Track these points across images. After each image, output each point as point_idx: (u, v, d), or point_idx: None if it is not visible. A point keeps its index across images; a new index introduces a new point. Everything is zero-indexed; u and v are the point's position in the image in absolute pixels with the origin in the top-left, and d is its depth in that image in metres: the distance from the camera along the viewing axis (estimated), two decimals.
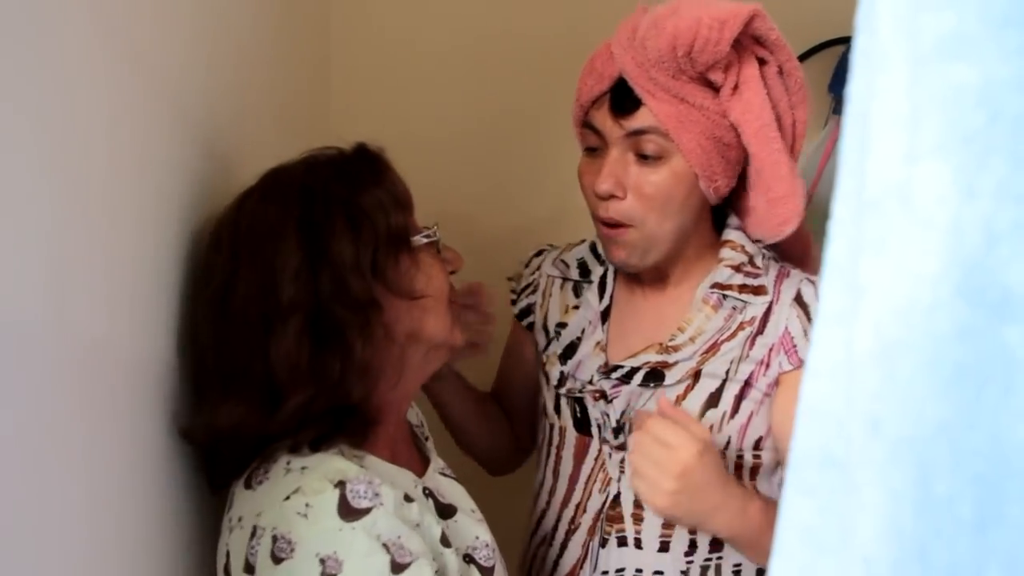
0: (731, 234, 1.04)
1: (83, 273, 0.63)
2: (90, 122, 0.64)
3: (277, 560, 0.71)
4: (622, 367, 1.02)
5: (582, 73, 1.00)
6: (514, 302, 1.18)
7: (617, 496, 1.03)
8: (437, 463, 0.95)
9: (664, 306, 1.06)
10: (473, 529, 0.87)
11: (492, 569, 0.86)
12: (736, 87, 0.94)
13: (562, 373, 1.08)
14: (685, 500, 0.87)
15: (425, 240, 0.86)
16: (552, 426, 1.10)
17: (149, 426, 0.76)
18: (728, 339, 1.00)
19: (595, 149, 0.99)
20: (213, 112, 0.94)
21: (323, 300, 0.77)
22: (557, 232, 1.55)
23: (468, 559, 0.84)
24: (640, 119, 0.94)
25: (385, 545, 0.72)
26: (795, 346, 1.00)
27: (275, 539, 0.72)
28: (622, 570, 1.02)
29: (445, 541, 0.80)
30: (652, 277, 1.06)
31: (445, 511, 0.86)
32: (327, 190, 0.80)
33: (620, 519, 1.03)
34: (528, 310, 1.17)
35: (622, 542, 1.03)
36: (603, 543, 1.03)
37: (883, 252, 0.23)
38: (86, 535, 0.64)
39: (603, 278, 1.09)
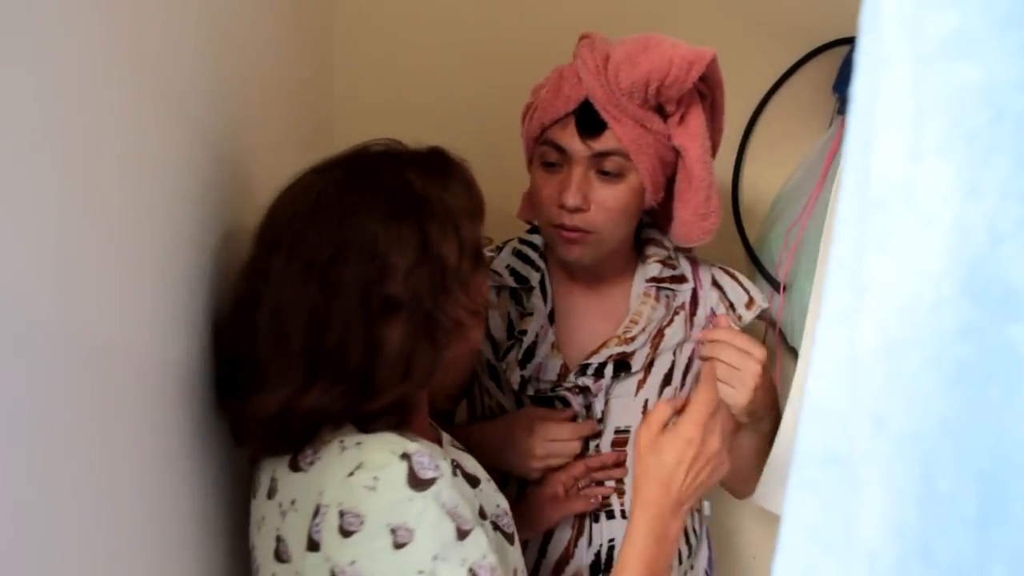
0: (653, 233, 1.20)
1: (92, 272, 0.63)
2: (98, 122, 0.64)
3: (346, 534, 0.73)
4: (591, 364, 1.14)
5: (547, 94, 1.10)
6: None
7: (599, 484, 1.15)
8: (447, 437, 0.98)
9: (602, 303, 1.19)
10: (494, 497, 0.91)
11: (513, 535, 0.90)
12: (683, 117, 1.07)
13: (523, 377, 1.17)
14: (761, 394, 1.02)
15: (491, 255, 0.95)
16: None
17: (168, 426, 0.77)
18: (668, 325, 1.17)
19: (553, 164, 1.10)
20: (219, 112, 0.94)
21: (427, 301, 0.79)
22: None
23: (494, 527, 0.87)
24: (605, 141, 1.06)
25: (449, 514, 0.75)
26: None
27: (342, 514, 0.73)
28: (612, 540, 1.14)
29: (482, 513, 0.84)
30: (588, 277, 1.18)
31: (471, 482, 0.88)
32: (439, 196, 0.82)
33: (606, 495, 1.15)
34: None
35: (610, 515, 1.15)
36: (595, 518, 1.15)
37: (887, 250, 0.23)
38: (104, 535, 0.65)
39: (542, 283, 1.20)
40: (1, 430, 0.51)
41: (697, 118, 1.06)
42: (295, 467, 0.80)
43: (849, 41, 1.50)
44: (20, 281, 0.53)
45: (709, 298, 1.20)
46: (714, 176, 1.10)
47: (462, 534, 0.75)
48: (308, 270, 0.78)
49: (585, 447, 1.16)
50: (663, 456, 0.87)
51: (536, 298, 1.18)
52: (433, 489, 0.74)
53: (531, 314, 1.18)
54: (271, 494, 0.82)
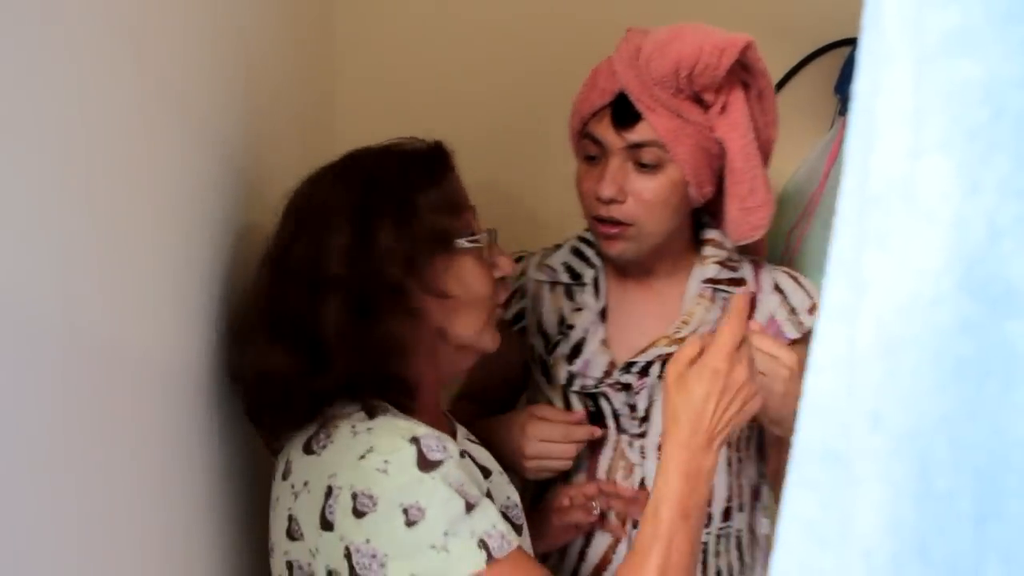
0: (711, 233, 1.16)
1: (97, 270, 0.63)
2: (100, 122, 0.64)
3: (359, 515, 0.77)
4: (637, 362, 1.11)
5: (582, 88, 1.10)
6: (504, 307, 1.22)
7: (642, 480, 1.11)
8: (462, 431, 1.01)
9: (656, 303, 1.16)
10: (505, 490, 0.94)
11: (522, 527, 0.92)
12: (724, 107, 1.04)
13: (570, 372, 1.14)
14: (792, 401, 0.97)
15: (468, 244, 0.91)
16: None
17: (180, 419, 0.78)
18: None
19: (594, 158, 1.09)
20: (220, 114, 0.94)
21: (363, 280, 0.85)
22: (560, 232, 1.55)
23: (504, 517, 0.88)
24: (640, 132, 1.04)
25: (458, 492, 0.78)
26: (781, 330, 1.14)
27: (355, 496, 0.77)
28: None
29: (489, 495, 0.87)
30: (641, 275, 1.16)
31: (483, 472, 0.92)
32: (388, 182, 0.88)
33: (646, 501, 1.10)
34: (520, 315, 1.22)
35: None
36: (635, 524, 1.11)
37: (886, 247, 0.23)
38: (117, 532, 0.65)
39: (595, 280, 1.18)
40: (9, 427, 0.51)
41: (739, 108, 1.04)
42: (308, 450, 0.84)
43: (851, 42, 1.49)
44: (25, 280, 0.53)
45: (769, 303, 1.15)
46: (761, 169, 1.07)
47: (470, 508, 0.78)
48: (273, 251, 0.89)
49: (621, 447, 1.13)
50: (691, 391, 0.85)
51: (588, 294, 1.17)
52: (441, 470, 0.78)
53: (581, 309, 1.17)
54: (285, 475, 0.86)
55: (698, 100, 1.04)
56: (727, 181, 1.07)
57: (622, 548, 1.11)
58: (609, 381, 1.12)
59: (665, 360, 1.10)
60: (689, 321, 1.12)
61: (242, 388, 0.91)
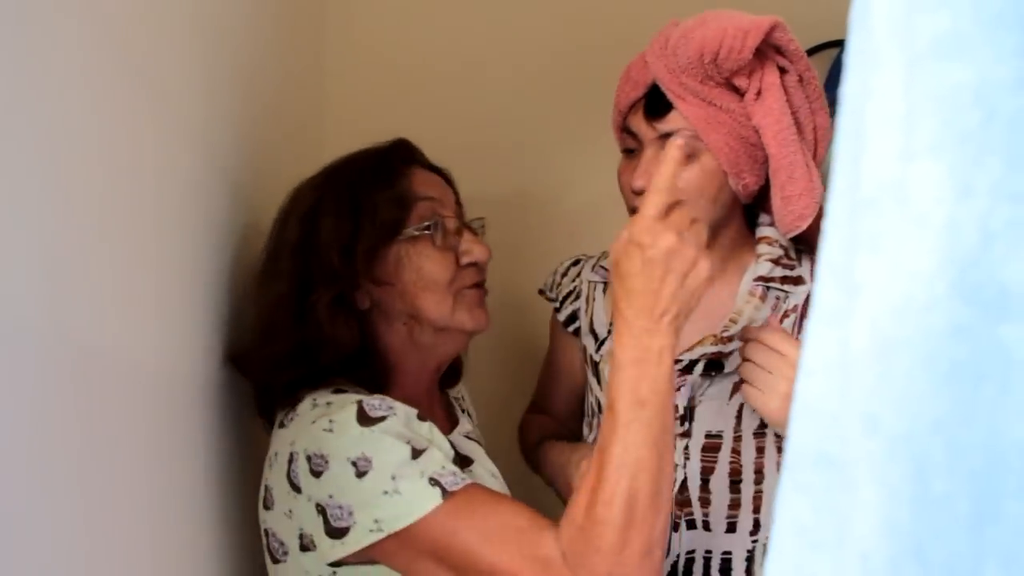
0: (766, 230, 1.12)
1: (82, 277, 0.63)
2: (88, 126, 0.64)
3: (317, 475, 0.82)
4: (681, 360, 1.09)
5: (620, 82, 1.09)
6: (557, 310, 1.24)
7: (684, 481, 1.08)
8: (464, 428, 1.04)
9: (708, 301, 1.12)
10: (486, 481, 0.94)
11: None
12: (759, 92, 1.02)
13: None
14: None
15: (416, 233, 0.95)
16: None
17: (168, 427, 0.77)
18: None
19: (632, 151, 1.08)
20: (213, 121, 0.94)
21: (308, 274, 0.92)
22: (551, 236, 1.56)
23: None
24: (672, 122, 1.03)
25: (401, 439, 0.82)
26: None
27: (309, 458, 0.82)
28: (692, 552, 1.07)
29: (460, 463, 0.89)
30: None
31: (462, 461, 0.95)
32: (337, 184, 0.95)
33: (688, 503, 1.08)
34: (573, 316, 1.22)
35: (691, 525, 1.08)
36: (674, 527, 1.08)
37: (878, 250, 0.23)
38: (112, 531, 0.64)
39: None
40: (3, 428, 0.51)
41: (774, 93, 1.01)
42: (281, 425, 0.90)
43: (839, 44, 1.50)
44: (17, 286, 0.53)
45: None
46: (801, 155, 1.03)
47: (416, 453, 0.82)
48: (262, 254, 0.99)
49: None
50: (623, 273, 0.80)
51: None
52: (383, 424, 0.83)
53: None
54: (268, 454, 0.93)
55: (732, 87, 1.02)
56: (770, 171, 1.04)
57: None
58: None
59: (711, 360, 1.08)
60: (737, 320, 1.09)
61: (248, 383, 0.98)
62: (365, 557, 0.82)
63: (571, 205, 1.60)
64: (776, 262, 1.10)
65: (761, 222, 1.13)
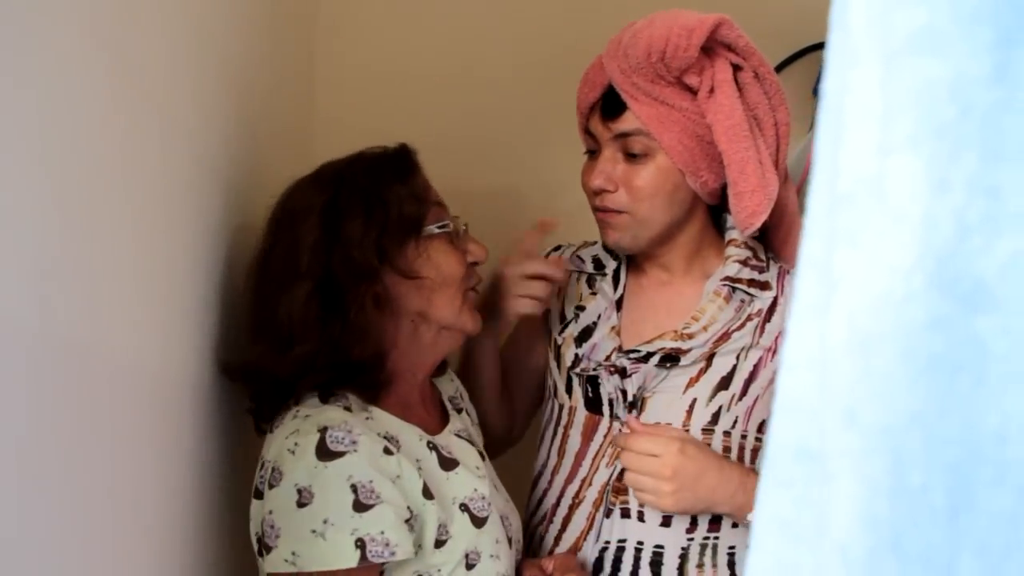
0: (733, 232, 1.13)
1: (74, 275, 0.62)
2: (80, 127, 0.63)
3: (271, 487, 0.85)
4: (638, 351, 1.11)
5: (580, 84, 1.11)
6: None
7: (623, 470, 1.08)
8: (455, 426, 1.05)
9: (672, 298, 1.15)
10: (472, 482, 0.97)
11: (485, 519, 0.96)
12: (711, 90, 1.02)
13: (576, 355, 1.15)
14: (688, 494, 0.99)
15: (437, 230, 0.97)
16: (561, 407, 1.17)
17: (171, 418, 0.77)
18: (738, 328, 1.10)
19: (593, 152, 1.11)
20: (204, 121, 0.95)
21: (332, 270, 0.91)
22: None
23: (464, 508, 0.95)
24: (626, 122, 1.05)
25: (353, 486, 0.83)
26: None
27: (272, 469, 0.86)
28: (623, 541, 1.09)
29: (428, 494, 0.90)
30: (659, 271, 1.16)
31: (447, 464, 0.97)
32: (355, 180, 0.95)
33: (625, 491, 1.09)
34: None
35: (625, 514, 1.09)
36: (607, 513, 1.10)
37: (856, 245, 0.23)
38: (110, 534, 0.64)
39: (616, 271, 1.18)
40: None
41: (725, 90, 1.01)
42: (270, 430, 0.92)
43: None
44: (5, 285, 0.53)
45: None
46: (753, 152, 1.03)
47: (361, 506, 0.83)
48: (257, 256, 0.97)
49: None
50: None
51: (606, 283, 1.18)
52: (339, 461, 0.84)
53: (595, 294, 1.18)
54: None
55: (685, 86, 1.03)
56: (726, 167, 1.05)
57: (591, 537, 1.10)
58: (608, 363, 1.12)
59: (668, 354, 1.09)
60: (699, 318, 1.10)
61: (241, 385, 0.98)
62: None
63: (564, 205, 1.59)
64: (744, 263, 1.11)
65: (729, 225, 1.14)
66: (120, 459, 0.73)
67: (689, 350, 1.09)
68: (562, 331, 1.18)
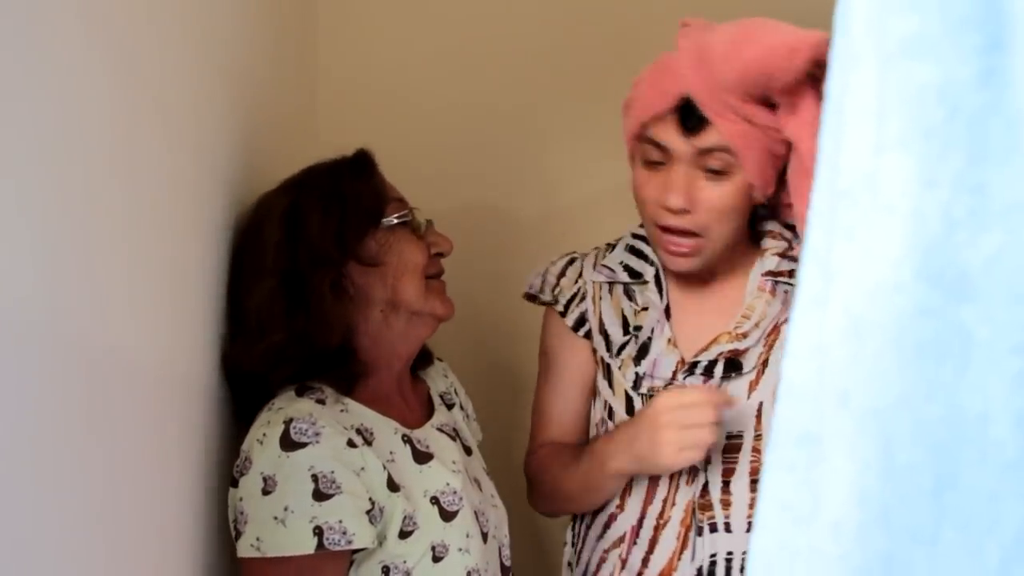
0: (769, 225, 1.11)
1: (81, 274, 0.64)
2: (90, 133, 0.65)
3: (241, 474, 0.89)
4: (700, 361, 1.08)
5: (642, 88, 1.03)
6: (562, 314, 1.16)
7: (705, 485, 1.07)
8: (438, 420, 1.07)
9: (718, 300, 1.12)
10: (445, 476, 0.99)
11: (455, 513, 0.98)
12: (793, 106, 0.98)
13: (637, 374, 1.10)
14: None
15: (397, 220, 1.00)
16: None
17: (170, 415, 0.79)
18: (786, 322, 1.06)
19: (656, 163, 1.03)
20: (208, 122, 0.96)
21: (297, 264, 0.95)
22: (543, 233, 1.56)
23: (434, 501, 0.97)
24: (710, 138, 0.99)
25: (314, 476, 0.87)
26: None
27: (245, 459, 0.90)
28: (714, 555, 1.07)
29: (393, 486, 0.93)
30: (703, 272, 1.10)
31: (421, 457, 1.00)
32: (314, 183, 1.00)
33: (710, 507, 1.07)
34: (583, 319, 1.16)
35: (713, 528, 1.07)
36: (699, 532, 1.07)
37: (853, 238, 0.24)
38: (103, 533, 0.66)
39: (657, 277, 1.13)
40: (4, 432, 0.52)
41: (810, 107, 0.97)
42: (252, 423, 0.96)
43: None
44: (15, 287, 0.54)
45: None
46: None
47: (321, 496, 0.87)
48: (235, 257, 1.01)
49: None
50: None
51: (651, 292, 1.13)
52: (302, 452, 0.87)
53: (646, 308, 1.12)
54: None
55: (767, 102, 0.99)
56: (795, 180, 1.02)
57: (687, 556, 1.07)
58: (677, 384, 1.08)
59: (728, 357, 1.07)
60: (750, 316, 1.08)
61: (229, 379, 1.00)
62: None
63: (563, 204, 1.60)
64: (782, 255, 1.10)
65: (760, 216, 1.11)
66: (128, 453, 0.75)
67: (747, 350, 1.07)
68: (618, 352, 1.12)
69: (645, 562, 1.09)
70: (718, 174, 1.01)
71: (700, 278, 1.12)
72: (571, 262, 1.18)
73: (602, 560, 1.12)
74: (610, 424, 1.13)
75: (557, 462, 1.13)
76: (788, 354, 0.35)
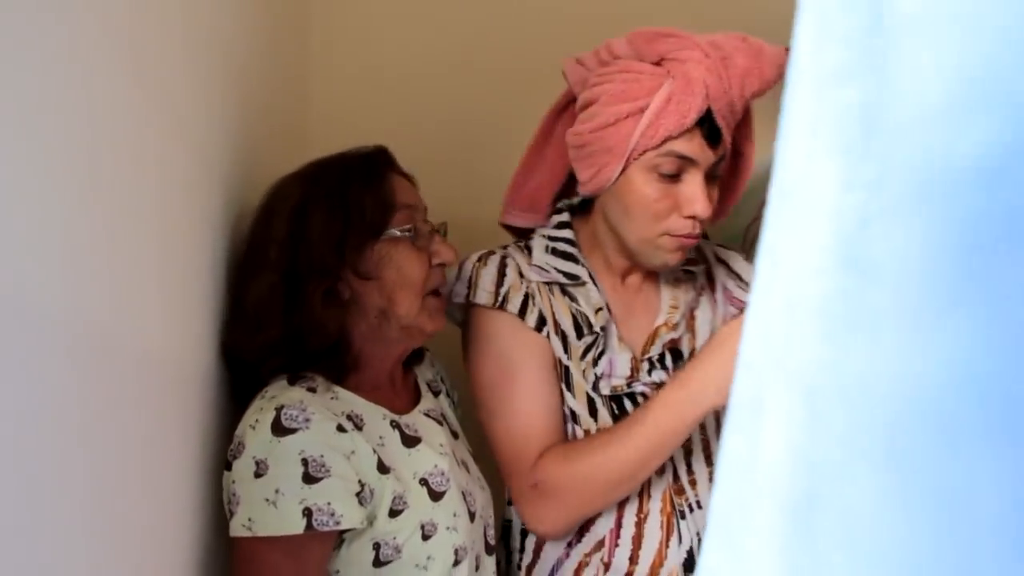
0: None
1: (101, 269, 0.69)
2: (107, 132, 0.69)
3: (234, 458, 0.94)
4: (651, 355, 1.13)
5: (670, 105, 1.03)
6: (520, 315, 1.14)
7: (675, 470, 1.12)
8: (425, 406, 1.12)
9: (642, 295, 1.17)
10: (432, 459, 1.04)
11: (443, 494, 1.03)
12: (745, 115, 1.16)
13: (596, 375, 1.12)
14: None
15: (399, 233, 1.02)
16: (587, 432, 1.12)
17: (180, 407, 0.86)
18: (697, 307, 1.17)
19: (671, 175, 1.06)
20: (210, 122, 0.99)
21: (296, 265, 0.99)
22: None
23: (423, 482, 1.01)
24: (721, 148, 1.07)
25: (304, 460, 0.92)
26: (735, 295, 1.20)
27: (238, 443, 0.95)
28: (699, 533, 1.10)
29: (383, 468, 0.97)
30: (627, 271, 1.17)
31: (410, 441, 1.04)
32: (325, 182, 1.02)
33: (683, 490, 1.12)
34: (542, 319, 1.14)
35: (691, 508, 1.12)
36: (681, 516, 1.11)
37: (793, 232, 0.29)
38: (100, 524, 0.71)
39: (591, 277, 1.16)
40: (13, 422, 0.56)
41: (751, 116, 1.10)
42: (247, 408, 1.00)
43: None
44: (35, 281, 0.58)
45: (718, 274, 1.22)
46: None
47: (310, 479, 0.91)
48: (243, 246, 1.06)
49: None
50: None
51: (592, 293, 1.14)
52: (291, 438, 0.92)
53: (601, 309, 1.14)
54: None
55: None
56: (733, 181, 1.15)
57: (673, 542, 1.10)
58: (644, 381, 1.11)
59: (671, 348, 1.13)
60: (678, 306, 1.15)
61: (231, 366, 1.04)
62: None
63: None
64: None
65: None
66: (133, 437, 0.79)
67: (680, 338, 1.14)
68: (583, 354, 1.13)
69: (633, 559, 1.10)
70: (716, 179, 1.09)
71: (623, 277, 1.18)
72: (503, 262, 1.16)
73: (583, 565, 1.11)
74: (576, 428, 1.12)
75: (586, 451, 1.06)
76: (744, 334, 0.40)
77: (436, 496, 1.02)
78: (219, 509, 0.99)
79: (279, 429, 0.92)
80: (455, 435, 1.16)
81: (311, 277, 0.99)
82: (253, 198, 1.09)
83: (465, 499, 1.06)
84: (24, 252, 0.57)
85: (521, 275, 1.15)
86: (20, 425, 0.56)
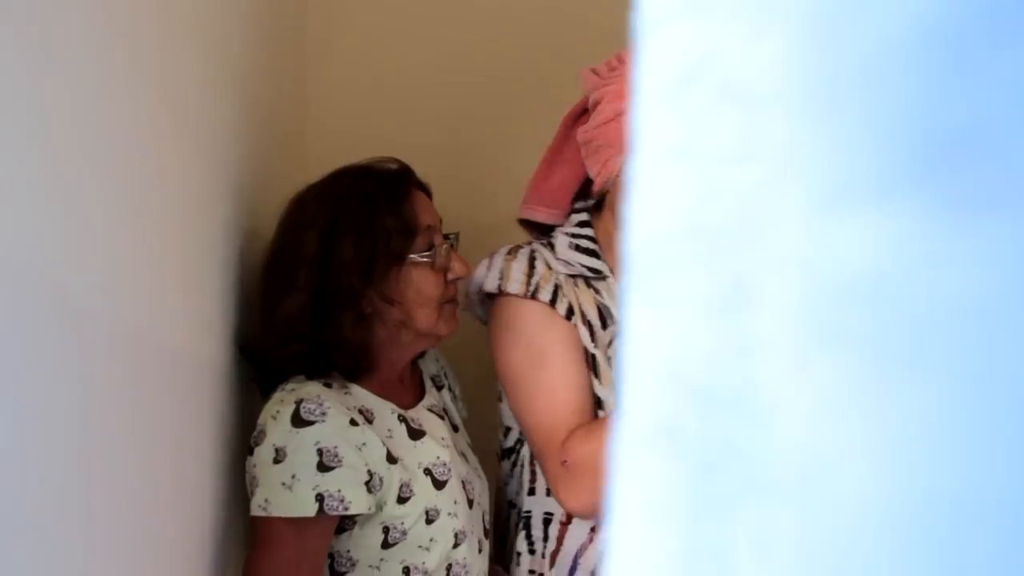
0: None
1: (133, 270, 0.75)
2: (133, 149, 0.74)
3: (256, 444, 1.02)
4: None
5: None
6: (551, 304, 1.16)
7: None
8: (428, 401, 1.19)
9: None
10: (435, 450, 1.11)
11: (445, 483, 1.09)
12: None
13: None
14: None
15: (420, 259, 1.09)
16: None
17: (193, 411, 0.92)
18: None
19: None
20: (215, 128, 1.03)
21: (325, 288, 1.05)
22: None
23: (427, 472, 1.08)
24: None
25: (319, 450, 0.99)
26: None
27: (260, 431, 1.02)
28: None
29: (391, 459, 1.04)
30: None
31: (415, 434, 1.11)
32: (353, 205, 1.07)
33: None
34: (571, 309, 1.16)
35: None
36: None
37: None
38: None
39: (610, 271, 1.19)
40: (53, 415, 0.62)
41: None
42: (268, 399, 1.07)
43: None
44: (69, 276, 0.64)
45: None
46: None
47: (324, 467, 0.99)
48: (268, 252, 1.11)
49: None
50: None
51: (615, 286, 1.16)
52: (309, 429, 1.00)
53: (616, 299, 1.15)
54: None
55: None
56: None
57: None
58: None
59: None
60: None
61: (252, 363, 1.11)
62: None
63: None
64: None
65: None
66: (164, 426, 0.85)
67: None
68: (609, 343, 1.14)
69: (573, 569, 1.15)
70: None
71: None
72: (532, 255, 1.19)
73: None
74: (603, 415, 1.13)
75: (609, 426, 1.10)
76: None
77: (439, 485, 1.09)
78: (239, 488, 1.07)
79: (298, 421, 1.00)
80: (455, 428, 1.23)
81: (341, 302, 1.05)
82: (258, 204, 1.14)
83: (464, 487, 1.13)
84: (70, 261, 0.63)
85: (549, 267, 1.18)
86: (80, 414, 0.64)
